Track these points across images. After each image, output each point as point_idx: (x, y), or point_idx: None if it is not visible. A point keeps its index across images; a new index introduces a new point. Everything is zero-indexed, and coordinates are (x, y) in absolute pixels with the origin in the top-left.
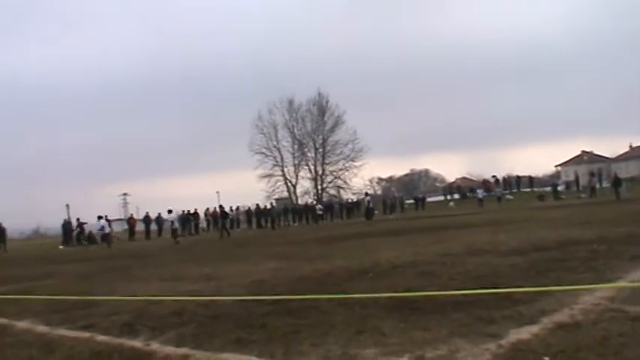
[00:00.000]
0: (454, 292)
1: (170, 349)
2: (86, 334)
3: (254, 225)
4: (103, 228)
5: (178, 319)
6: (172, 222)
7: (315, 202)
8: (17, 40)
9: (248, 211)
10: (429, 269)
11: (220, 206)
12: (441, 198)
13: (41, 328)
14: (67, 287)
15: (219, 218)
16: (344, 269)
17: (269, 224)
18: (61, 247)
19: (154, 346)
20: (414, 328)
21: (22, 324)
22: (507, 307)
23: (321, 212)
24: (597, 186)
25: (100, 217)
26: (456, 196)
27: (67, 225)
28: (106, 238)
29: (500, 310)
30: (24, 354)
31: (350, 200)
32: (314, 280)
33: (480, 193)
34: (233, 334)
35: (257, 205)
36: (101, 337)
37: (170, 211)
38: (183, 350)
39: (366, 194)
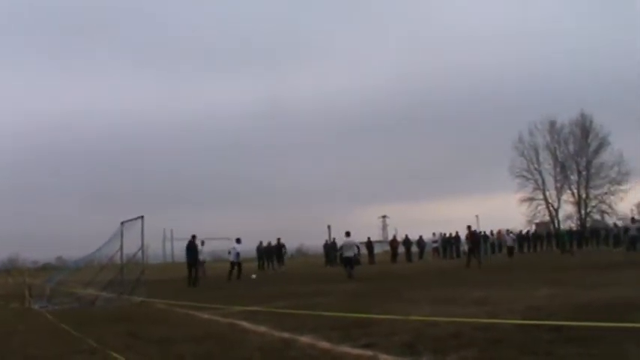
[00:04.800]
0: None
1: None
2: (369, 353)
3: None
4: (238, 255)
5: (458, 342)
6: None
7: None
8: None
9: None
10: None
11: (469, 227)
12: None
13: (323, 344)
14: (339, 305)
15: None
16: (624, 299)
17: (531, 249)
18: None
19: None
20: None
21: (304, 339)
22: None
23: (513, 244)
24: None
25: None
26: None
27: (329, 246)
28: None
29: None
30: None
31: (615, 225)
32: (593, 309)
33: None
34: None
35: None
36: (384, 356)
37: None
38: None
39: (633, 220)
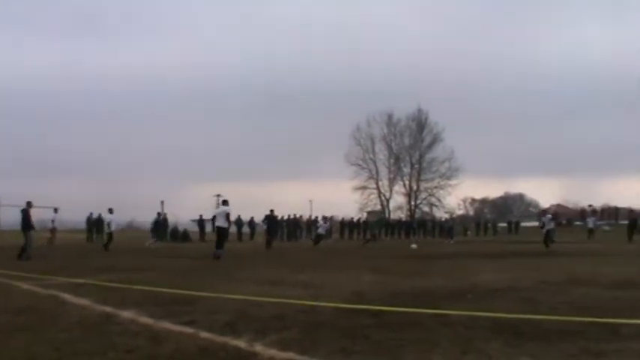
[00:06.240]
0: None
1: (274, 352)
2: (190, 330)
3: (346, 236)
4: (109, 224)
5: (280, 323)
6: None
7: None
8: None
9: (342, 222)
10: (530, 295)
11: (271, 211)
12: (535, 224)
13: (145, 320)
14: (165, 281)
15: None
16: (442, 288)
17: (361, 236)
18: (153, 241)
19: (258, 347)
20: (520, 353)
21: (126, 313)
22: (616, 341)
23: (323, 232)
24: None
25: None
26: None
27: (160, 221)
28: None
29: (610, 344)
30: (131, 343)
31: (444, 219)
32: (413, 297)
33: (592, 222)
34: (336, 343)
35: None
36: (205, 334)
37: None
38: (289, 355)
39: (544, 212)
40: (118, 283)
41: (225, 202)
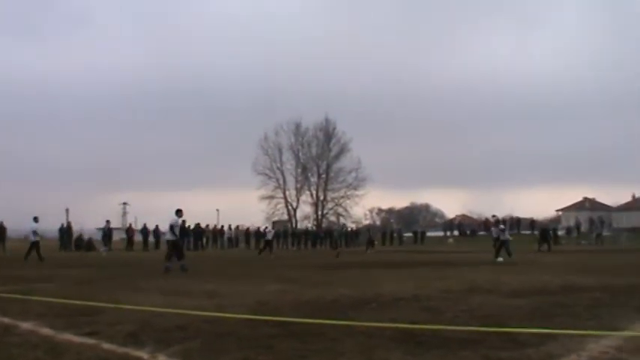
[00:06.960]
0: (475, 328)
1: None
2: (92, 341)
3: (252, 245)
4: (34, 232)
5: (183, 334)
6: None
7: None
8: (23, 39)
9: (247, 232)
10: (433, 305)
11: (183, 221)
12: (441, 234)
13: (46, 331)
14: (68, 292)
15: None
16: (347, 297)
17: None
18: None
19: (161, 358)
20: None
21: (26, 325)
22: (514, 348)
23: (270, 237)
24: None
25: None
26: (456, 232)
27: (65, 229)
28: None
29: (508, 352)
30: (30, 355)
31: (351, 229)
32: (318, 306)
33: (495, 232)
34: (239, 353)
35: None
36: (107, 345)
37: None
38: None
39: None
40: (19, 294)
41: (177, 212)
